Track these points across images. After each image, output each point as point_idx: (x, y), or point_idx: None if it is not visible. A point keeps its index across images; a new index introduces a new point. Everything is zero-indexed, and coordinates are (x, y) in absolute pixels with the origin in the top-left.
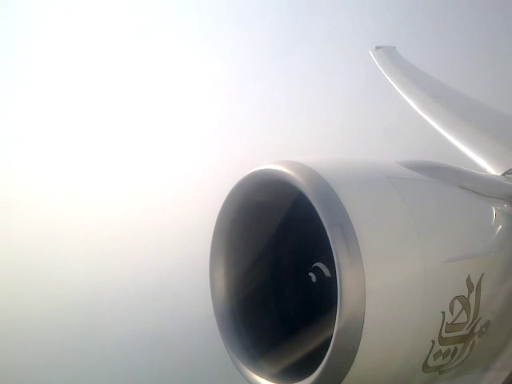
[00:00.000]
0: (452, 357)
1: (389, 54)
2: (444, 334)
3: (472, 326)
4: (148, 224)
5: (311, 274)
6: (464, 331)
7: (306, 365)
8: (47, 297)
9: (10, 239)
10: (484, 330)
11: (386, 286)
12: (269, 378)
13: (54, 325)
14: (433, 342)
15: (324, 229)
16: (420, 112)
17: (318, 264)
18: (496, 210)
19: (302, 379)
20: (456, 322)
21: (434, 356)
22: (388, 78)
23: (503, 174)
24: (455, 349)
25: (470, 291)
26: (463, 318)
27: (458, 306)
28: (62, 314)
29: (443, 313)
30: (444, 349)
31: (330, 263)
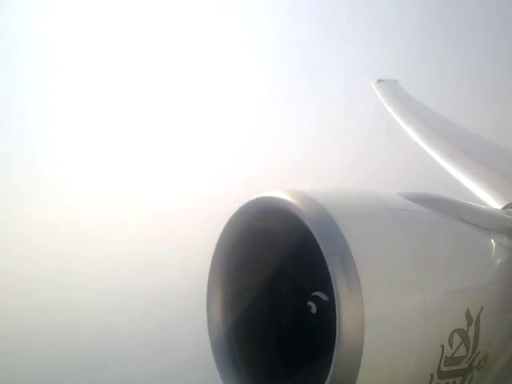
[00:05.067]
0: None
1: (391, 86)
2: (443, 368)
3: (471, 359)
4: (144, 253)
5: (310, 303)
6: (463, 365)
7: None
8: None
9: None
10: (482, 364)
11: (385, 317)
12: None
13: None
14: (431, 375)
15: (323, 258)
16: (422, 144)
17: (317, 293)
18: (496, 243)
19: None
20: (455, 356)
21: None
22: (390, 110)
23: (503, 208)
24: (454, 383)
25: (469, 324)
26: (462, 351)
27: (457, 339)
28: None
29: (442, 346)
30: (442, 383)
31: (329, 293)
